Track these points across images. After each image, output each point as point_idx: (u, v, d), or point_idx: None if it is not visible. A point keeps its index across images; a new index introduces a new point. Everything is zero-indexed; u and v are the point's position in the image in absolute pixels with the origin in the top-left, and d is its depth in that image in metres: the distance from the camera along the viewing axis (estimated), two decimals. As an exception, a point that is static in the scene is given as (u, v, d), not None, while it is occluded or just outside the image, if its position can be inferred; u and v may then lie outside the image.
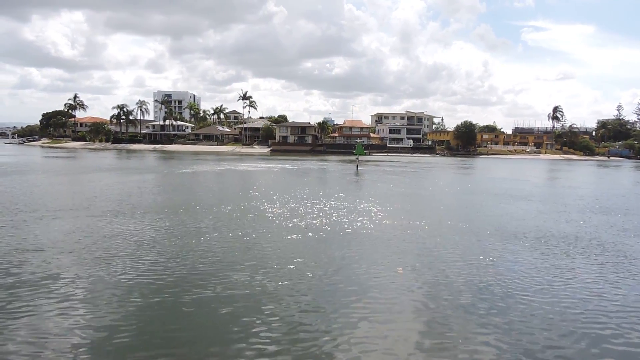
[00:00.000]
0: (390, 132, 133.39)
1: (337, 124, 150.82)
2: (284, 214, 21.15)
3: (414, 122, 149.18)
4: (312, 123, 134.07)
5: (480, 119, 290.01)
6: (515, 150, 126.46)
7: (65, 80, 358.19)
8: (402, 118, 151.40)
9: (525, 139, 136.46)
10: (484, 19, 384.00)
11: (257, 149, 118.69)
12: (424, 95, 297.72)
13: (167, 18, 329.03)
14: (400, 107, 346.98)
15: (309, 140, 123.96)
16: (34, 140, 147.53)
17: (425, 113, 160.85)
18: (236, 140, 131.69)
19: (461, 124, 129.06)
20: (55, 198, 25.40)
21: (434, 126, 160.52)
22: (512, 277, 12.47)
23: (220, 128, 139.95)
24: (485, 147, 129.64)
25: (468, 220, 21.11)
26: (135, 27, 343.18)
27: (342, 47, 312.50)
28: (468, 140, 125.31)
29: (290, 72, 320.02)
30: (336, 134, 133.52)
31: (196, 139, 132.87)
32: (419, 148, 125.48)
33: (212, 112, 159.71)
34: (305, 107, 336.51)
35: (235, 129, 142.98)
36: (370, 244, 16.01)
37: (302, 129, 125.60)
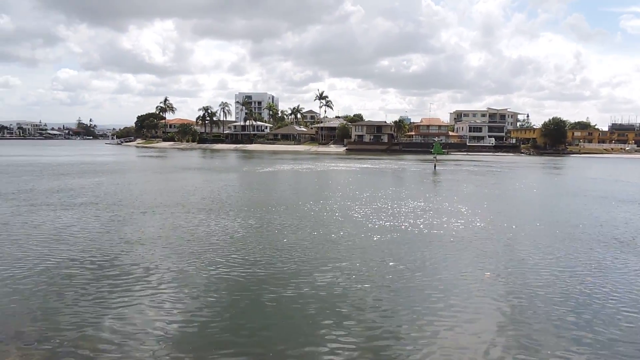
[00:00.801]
0: (470, 130, 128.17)
1: (413, 123, 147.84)
2: (365, 214, 21.12)
3: (496, 119, 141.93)
4: (388, 122, 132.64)
5: (570, 115, 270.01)
6: (612, 149, 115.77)
7: (157, 84, 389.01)
8: (484, 115, 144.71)
9: (624, 137, 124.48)
10: (576, 8, 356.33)
11: (333, 148, 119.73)
12: (507, 91, 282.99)
13: (248, 22, 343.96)
14: (482, 104, 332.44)
15: (385, 139, 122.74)
16: (129, 141, 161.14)
17: (508, 110, 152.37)
18: (312, 139, 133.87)
19: (549, 120, 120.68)
20: (153, 195, 27.45)
21: (518, 123, 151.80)
22: (617, 290, 11.36)
23: (297, 128, 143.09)
24: (577, 145, 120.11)
25: (565, 224, 19.65)
26: (219, 33, 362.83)
27: (420, 44, 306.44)
28: (557, 138, 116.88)
29: (366, 70, 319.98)
30: (413, 133, 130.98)
31: (274, 138, 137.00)
32: (501, 147, 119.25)
33: (289, 112, 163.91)
34: (381, 106, 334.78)
35: (311, 128, 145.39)
36: (455, 246, 15.47)
37: (377, 128, 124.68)
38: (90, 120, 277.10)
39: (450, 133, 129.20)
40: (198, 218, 19.55)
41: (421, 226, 18.60)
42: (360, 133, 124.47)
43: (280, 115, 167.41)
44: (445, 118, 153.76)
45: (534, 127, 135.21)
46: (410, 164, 66.25)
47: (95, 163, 58.90)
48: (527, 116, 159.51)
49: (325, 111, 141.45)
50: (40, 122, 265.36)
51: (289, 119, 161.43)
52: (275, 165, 59.52)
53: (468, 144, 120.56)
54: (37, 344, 8.07)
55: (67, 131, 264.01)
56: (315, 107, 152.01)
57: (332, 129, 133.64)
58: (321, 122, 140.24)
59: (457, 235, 17.17)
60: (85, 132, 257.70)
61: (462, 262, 13.58)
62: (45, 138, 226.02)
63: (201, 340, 8.49)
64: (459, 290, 11.22)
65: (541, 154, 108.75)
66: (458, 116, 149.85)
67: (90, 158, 71.61)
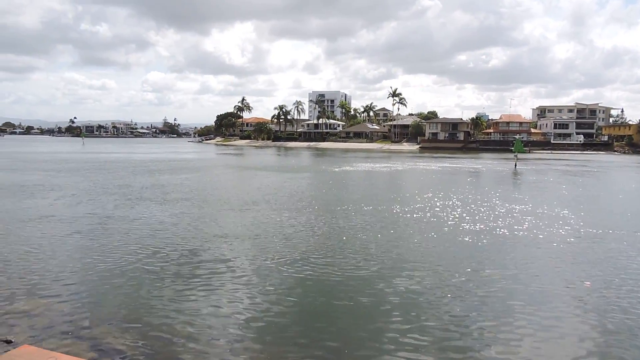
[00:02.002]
0: (555, 127, 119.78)
1: (492, 120, 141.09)
2: (450, 217, 20.70)
3: (586, 115, 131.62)
4: (464, 119, 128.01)
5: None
6: None
7: (235, 85, 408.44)
8: (570, 111, 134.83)
9: None
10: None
11: (405, 146, 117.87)
12: (598, 84, 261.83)
13: (324, 21, 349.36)
14: (568, 98, 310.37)
15: (461, 137, 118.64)
16: (209, 139, 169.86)
17: (600, 104, 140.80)
18: (385, 137, 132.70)
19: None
20: (237, 193, 28.83)
21: (611, 119, 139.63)
22: None
23: (369, 126, 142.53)
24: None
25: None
26: (296, 33, 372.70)
27: (501, 37, 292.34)
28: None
29: (442, 66, 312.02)
30: (491, 130, 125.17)
31: (347, 136, 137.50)
32: (591, 144, 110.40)
33: (362, 110, 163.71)
34: (457, 103, 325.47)
35: (384, 126, 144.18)
36: (551, 252, 14.72)
37: (453, 125, 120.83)
38: (175, 120, 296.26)
39: (533, 130, 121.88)
40: (281, 216, 20.26)
41: (512, 230, 17.90)
42: (434, 131, 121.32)
43: (352, 113, 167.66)
44: (526, 114, 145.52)
45: (630, 123, 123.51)
46: (490, 163, 63.47)
47: (181, 160, 62.92)
48: (622, 111, 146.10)
49: (398, 109, 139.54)
50: (131, 122, 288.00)
51: (362, 117, 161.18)
52: (352, 164, 59.74)
53: (552, 141, 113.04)
54: (127, 326, 8.96)
55: (154, 130, 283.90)
56: (388, 104, 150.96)
57: (405, 126, 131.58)
58: (394, 120, 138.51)
59: (553, 240, 16.32)
60: (170, 130, 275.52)
61: (559, 270, 12.92)
62: (135, 136, 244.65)
63: (273, 336, 8.74)
64: (553, 299, 10.69)
65: (638, 152, 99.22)
66: (541, 112, 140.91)
67: (175, 155, 76.54)
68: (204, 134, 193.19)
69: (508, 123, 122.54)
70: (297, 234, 16.88)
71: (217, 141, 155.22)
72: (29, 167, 46.15)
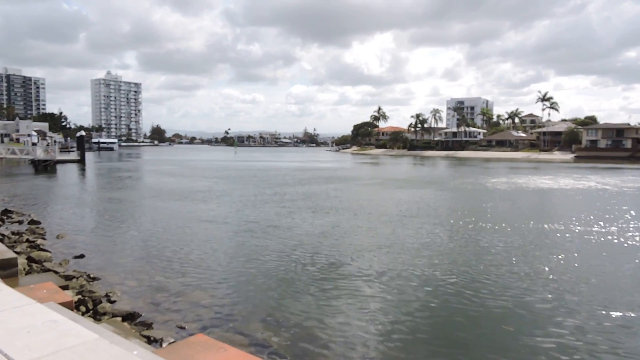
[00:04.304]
0: None
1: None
2: (604, 242, 18.32)
3: None
4: (632, 124, 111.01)
5: None
6: None
7: (372, 94, 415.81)
8: None
9: None
10: None
11: (557, 155, 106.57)
12: None
13: (466, 26, 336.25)
14: None
15: (628, 144, 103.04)
16: (346, 148, 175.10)
17: None
18: (532, 145, 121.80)
19: None
20: (391, 204, 28.15)
21: None
22: None
23: (514, 133, 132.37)
24: None
25: None
26: (436, 39, 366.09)
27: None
28: None
29: (604, 65, 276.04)
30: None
31: (488, 145, 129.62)
32: None
33: (506, 116, 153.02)
34: (623, 105, 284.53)
35: (531, 133, 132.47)
36: None
37: (617, 132, 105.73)
38: (314, 130, 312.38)
39: None
40: (441, 232, 19.56)
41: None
42: (593, 138, 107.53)
43: (495, 120, 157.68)
44: None
45: None
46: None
47: (324, 169, 65.92)
48: None
49: (548, 114, 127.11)
50: (275, 132, 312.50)
51: (505, 124, 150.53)
52: (511, 176, 54.53)
53: None
54: (277, 325, 9.76)
55: (295, 139, 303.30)
56: (537, 110, 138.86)
57: (557, 133, 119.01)
58: (543, 127, 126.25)
59: None
60: (309, 140, 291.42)
61: None
62: (279, 145, 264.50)
63: (403, 349, 8.71)
64: None
65: None
66: None
67: (316, 164, 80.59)
68: (341, 143, 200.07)
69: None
70: (456, 252, 16.09)
71: (354, 150, 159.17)
72: (194, 174, 53.02)
